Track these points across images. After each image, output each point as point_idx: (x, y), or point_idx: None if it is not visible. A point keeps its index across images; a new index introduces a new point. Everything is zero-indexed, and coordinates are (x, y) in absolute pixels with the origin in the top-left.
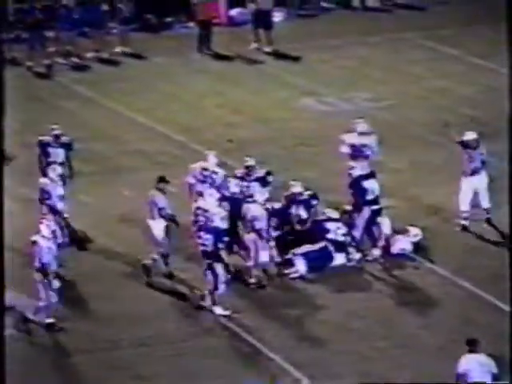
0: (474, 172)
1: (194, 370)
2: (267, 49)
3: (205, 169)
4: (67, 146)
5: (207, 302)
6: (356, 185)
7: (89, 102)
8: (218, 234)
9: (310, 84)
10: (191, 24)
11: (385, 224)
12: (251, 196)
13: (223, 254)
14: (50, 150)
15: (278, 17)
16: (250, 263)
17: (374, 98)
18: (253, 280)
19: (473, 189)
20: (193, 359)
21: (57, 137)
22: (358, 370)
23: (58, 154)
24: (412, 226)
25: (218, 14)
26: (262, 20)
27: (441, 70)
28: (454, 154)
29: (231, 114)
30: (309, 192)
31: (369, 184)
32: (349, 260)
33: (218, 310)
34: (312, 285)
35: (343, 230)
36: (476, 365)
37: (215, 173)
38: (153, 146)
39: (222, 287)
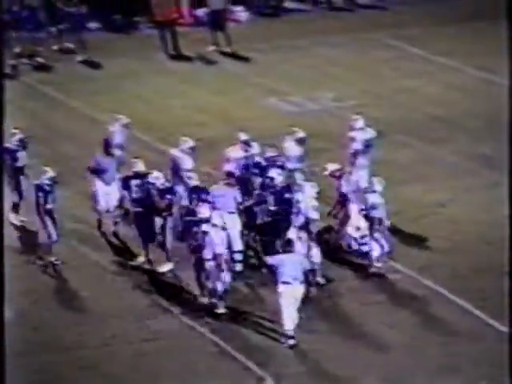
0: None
1: (157, 370)
2: (227, 49)
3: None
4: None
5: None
6: None
7: (54, 102)
8: None
9: (275, 84)
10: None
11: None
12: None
13: None
14: (19, 154)
15: (242, 17)
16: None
17: (339, 97)
18: (379, 264)
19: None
20: (156, 359)
21: (21, 141)
22: (323, 370)
23: (24, 156)
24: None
25: (181, 15)
26: (215, 21)
27: (406, 70)
28: (419, 153)
29: (196, 114)
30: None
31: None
32: None
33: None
34: (275, 284)
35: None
36: (288, 262)
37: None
38: None
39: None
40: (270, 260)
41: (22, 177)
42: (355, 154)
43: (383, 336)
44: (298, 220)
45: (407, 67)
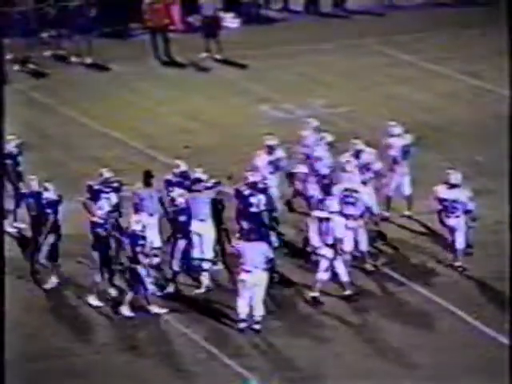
0: None
1: (147, 378)
2: (217, 56)
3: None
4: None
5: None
6: None
7: (45, 108)
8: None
9: (266, 91)
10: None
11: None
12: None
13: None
14: (20, 159)
15: (233, 23)
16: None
17: (330, 104)
18: (459, 263)
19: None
20: (147, 366)
21: (19, 145)
22: (315, 375)
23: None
24: None
25: (172, 21)
26: (208, 28)
27: (396, 76)
28: (409, 159)
29: (187, 121)
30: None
31: None
32: None
33: (155, 309)
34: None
35: None
36: (250, 250)
37: None
38: (109, 152)
39: (150, 287)
40: (239, 248)
41: (21, 183)
42: (394, 161)
43: (374, 343)
44: (357, 209)
45: (398, 74)
